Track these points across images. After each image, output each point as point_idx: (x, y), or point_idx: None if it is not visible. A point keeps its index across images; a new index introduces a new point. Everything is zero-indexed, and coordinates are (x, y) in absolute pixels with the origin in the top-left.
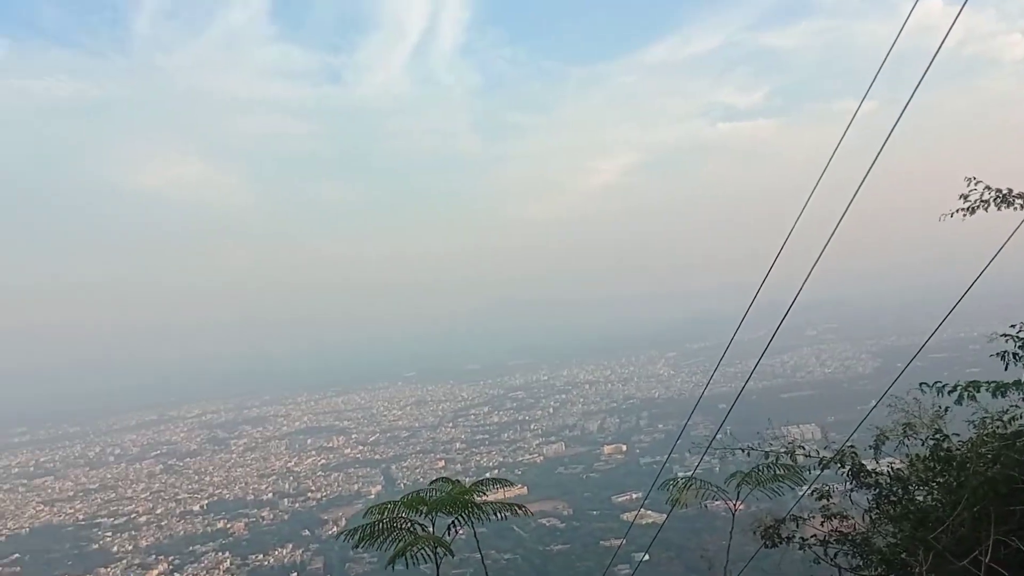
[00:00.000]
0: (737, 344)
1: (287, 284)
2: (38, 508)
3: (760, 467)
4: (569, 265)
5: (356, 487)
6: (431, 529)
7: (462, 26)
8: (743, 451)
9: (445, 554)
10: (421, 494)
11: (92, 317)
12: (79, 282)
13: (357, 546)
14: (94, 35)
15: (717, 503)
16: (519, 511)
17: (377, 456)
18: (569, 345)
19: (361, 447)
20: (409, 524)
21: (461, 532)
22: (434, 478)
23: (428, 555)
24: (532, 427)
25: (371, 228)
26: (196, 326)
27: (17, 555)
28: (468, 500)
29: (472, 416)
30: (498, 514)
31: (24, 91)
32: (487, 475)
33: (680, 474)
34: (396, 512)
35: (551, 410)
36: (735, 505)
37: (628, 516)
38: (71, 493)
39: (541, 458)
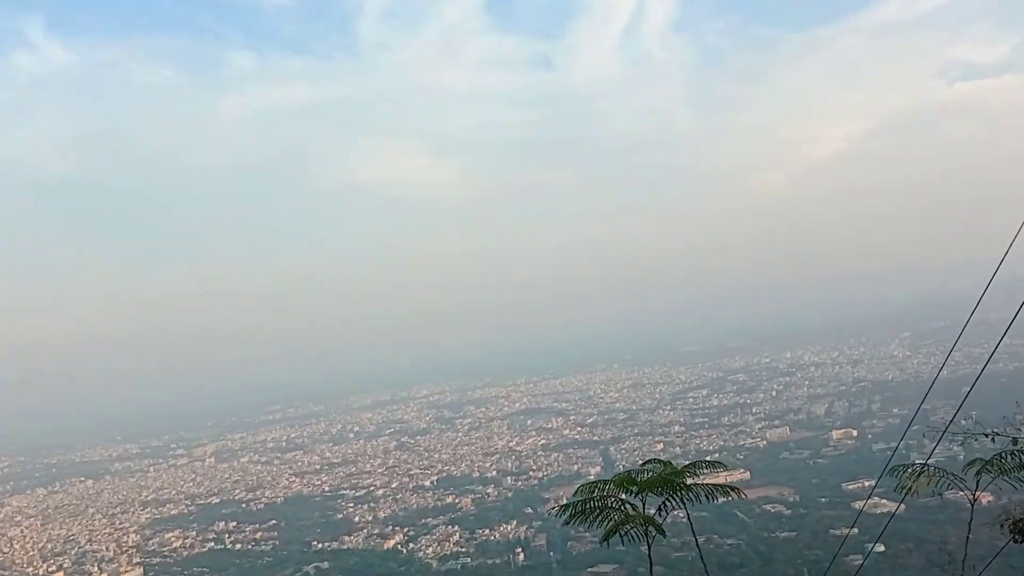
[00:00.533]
0: (982, 324)
1: (505, 273)
2: (290, 479)
3: (1005, 454)
4: (794, 245)
5: (576, 467)
6: (643, 509)
7: (672, 1)
8: (987, 436)
9: (657, 534)
10: (632, 474)
11: (330, 309)
12: (314, 274)
13: (568, 523)
14: (324, 40)
15: (961, 493)
16: (732, 493)
17: (595, 438)
18: (792, 327)
19: (579, 428)
20: (620, 503)
21: (677, 512)
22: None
23: (640, 534)
24: (754, 410)
25: (586, 212)
26: (421, 315)
27: (274, 521)
28: (678, 481)
29: (690, 399)
30: (712, 497)
31: (268, 98)
32: (707, 459)
33: (918, 461)
34: (607, 491)
35: (774, 393)
36: (975, 495)
37: (860, 504)
38: (318, 466)
39: (764, 442)
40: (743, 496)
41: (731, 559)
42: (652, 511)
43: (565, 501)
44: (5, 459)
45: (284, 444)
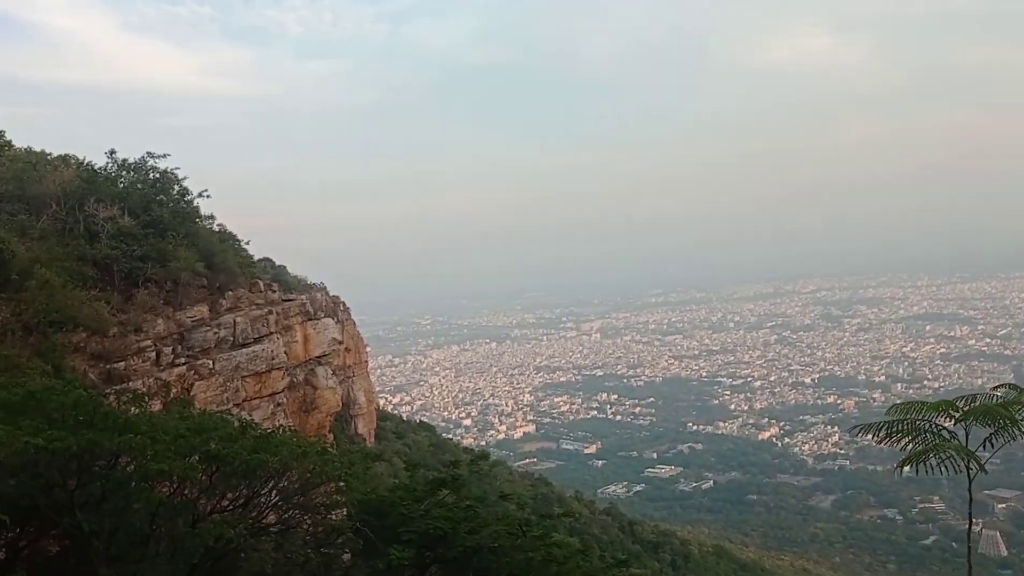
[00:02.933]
0: None
1: (915, 157)
2: (669, 361)
3: None
4: None
5: (979, 381)
6: (965, 442)
7: None
8: None
9: (978, 470)
10: (960, 400)
11: (718, 195)
12: (709, 162)
13: (880, 443)
14: None
15: None
16: None
17: (1007, 351)
18: None
19: (988, 340)
20: (936, 429)
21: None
22: None
23: (956, 465)
24: None
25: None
26: (811, 200)
27: (652, 398)
28: (1007, 413)
29: None
30: None
31: None
32: None
33: None
34: (923, 414)
35: None
36: None
37: None
38: (696, 352)
39: None
40: None
41: None
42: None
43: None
44: (428, 317)
45: (665, 327)
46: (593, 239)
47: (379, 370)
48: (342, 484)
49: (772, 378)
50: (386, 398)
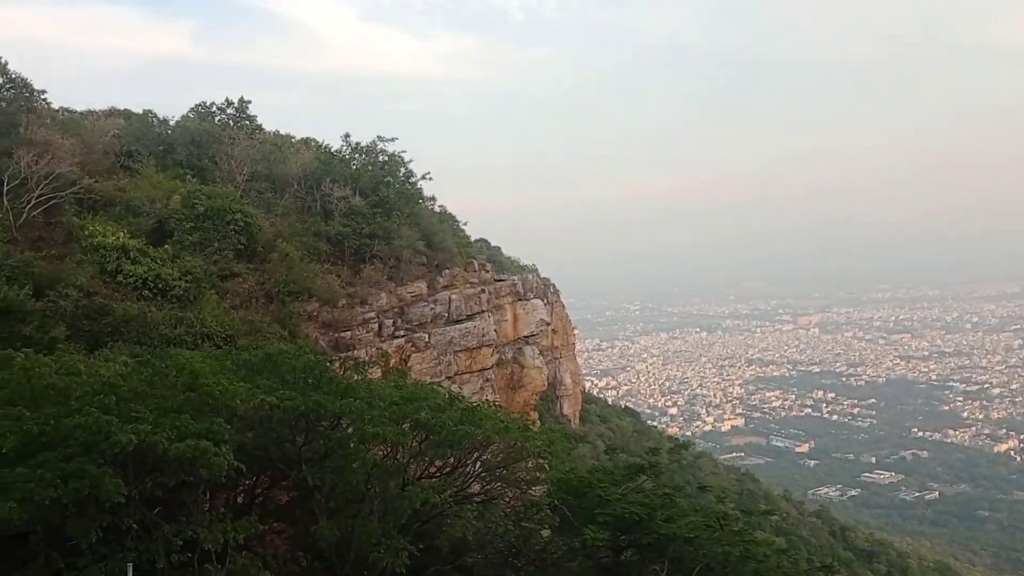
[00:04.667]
0: None
1: None
2: (894, 361)
3: None
4: None
5: None
6: None
7: None
8: None
9: None
10: None
11: (960, 186)
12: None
13: None
14: None
15: None
16: None
17: None
18: None
19: None
20: None
21: None
22: None
23: None
24: None
25: None
26: None
27: (873, 399)
28: None
29: None
30: None
31: None
32: None
33: None
34: None
35: None
36: None
37: None
38: (926, 353)
39: None
40: None
41: None
42: None
43: None
44: (637, 303)
45: (891, 324)
46: (818, 234)
47: (586, 353)
48: (542, 461)
49: (1014, 386)
50: (592, 381)
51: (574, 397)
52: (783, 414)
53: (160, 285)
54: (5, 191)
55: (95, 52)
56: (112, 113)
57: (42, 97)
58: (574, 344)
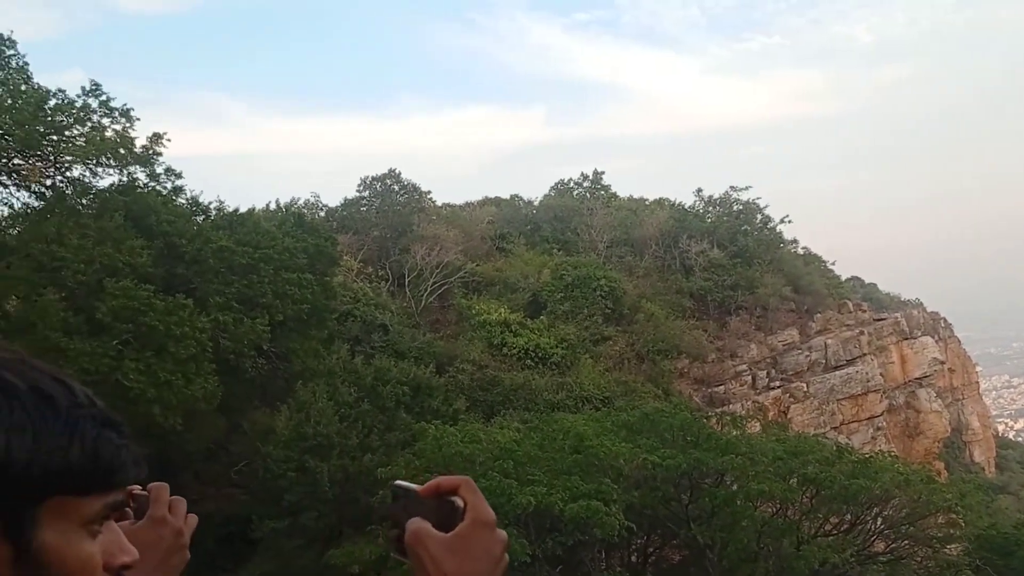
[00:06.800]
0: None
1: None
2: None
3: None
4: None
5: None
6: None
7: None
8: None
9: None
10: None
11: None
12: None
13: None
14: None
15: None
16: None
17: None
18: None
19: None
20: None
21: None
22: None
23: None
24: None
25: None
26: None
27: None
28: None
29: None
30: None
31: None
32: None
33: None
34: None
35: None
36: None
37: None
38: None
39: None
40: None
41: None
42: None
43: None
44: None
45: None
46: None
47: (994, 392)
48: (955, 516)
49: None
50: (1006, 423)
51: (985, 442)
52: None
53: (540, 354)
54: (407, 282)
55: (465, 148)
56: (485, 202)
57: (428, 197)
58: (978, 382)
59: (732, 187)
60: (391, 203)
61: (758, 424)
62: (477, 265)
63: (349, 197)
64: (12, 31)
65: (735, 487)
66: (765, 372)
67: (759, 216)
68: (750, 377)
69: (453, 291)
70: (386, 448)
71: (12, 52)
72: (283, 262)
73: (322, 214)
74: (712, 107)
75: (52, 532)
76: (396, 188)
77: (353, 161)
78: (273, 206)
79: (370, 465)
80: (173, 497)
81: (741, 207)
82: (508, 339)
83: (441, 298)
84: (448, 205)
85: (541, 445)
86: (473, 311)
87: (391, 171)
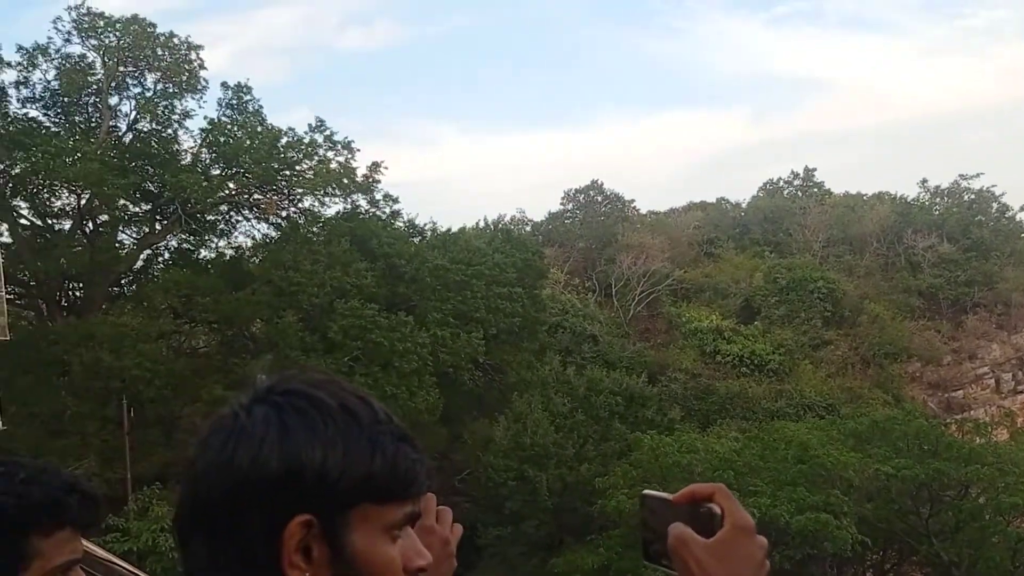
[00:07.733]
0: None
1: None
2: None
3: None
4: None
5: None
6: None
7: None
8: None
9: None
10: None
11: None
12: None
13: None
14: None
15: None
16: None
17: None
18: None
19: None
20: None
21: None
22: None
23: None
24: None
25: None
26: None
27: None
28: None
29: None
30: None
31: None
32: None
33: None
34: None
35: None
36: None
37: None
38: None
39: None
40: None
41: None
42: None
43: None
44: None
45: None
46: None
47: None
48: None
49: None
50: None
51: None
52: None
53: (756, 361)
54: (614, 292)
55: (668, 155)
56: (690, 207)
57: (632, 205)
58: None
59: (961, 175)
60: (594, 214)
61: (1005, 431)
62: (685, 272)
63: (553, 211)
64: (248, 79)
65: (982, 500)
66: (1010, 374)
67: (995, 205)
68: (993, 380)
69: (661, 299)
70: (602, 458)
71: (248, 98)
72: (494, 277)
73: (528, 229)
74: (932, 92)
75: (360, 536)
76: (599, 199)
77: (556, 174)
78: (482, 224)
79: (587, 475)
80: (440, 507)
81: (973, 196)
82: (721, 346)
83: (649, 307)
84: (652, 213)
85: (762, 455)
86: (683, 319)
87: (593, 182)
